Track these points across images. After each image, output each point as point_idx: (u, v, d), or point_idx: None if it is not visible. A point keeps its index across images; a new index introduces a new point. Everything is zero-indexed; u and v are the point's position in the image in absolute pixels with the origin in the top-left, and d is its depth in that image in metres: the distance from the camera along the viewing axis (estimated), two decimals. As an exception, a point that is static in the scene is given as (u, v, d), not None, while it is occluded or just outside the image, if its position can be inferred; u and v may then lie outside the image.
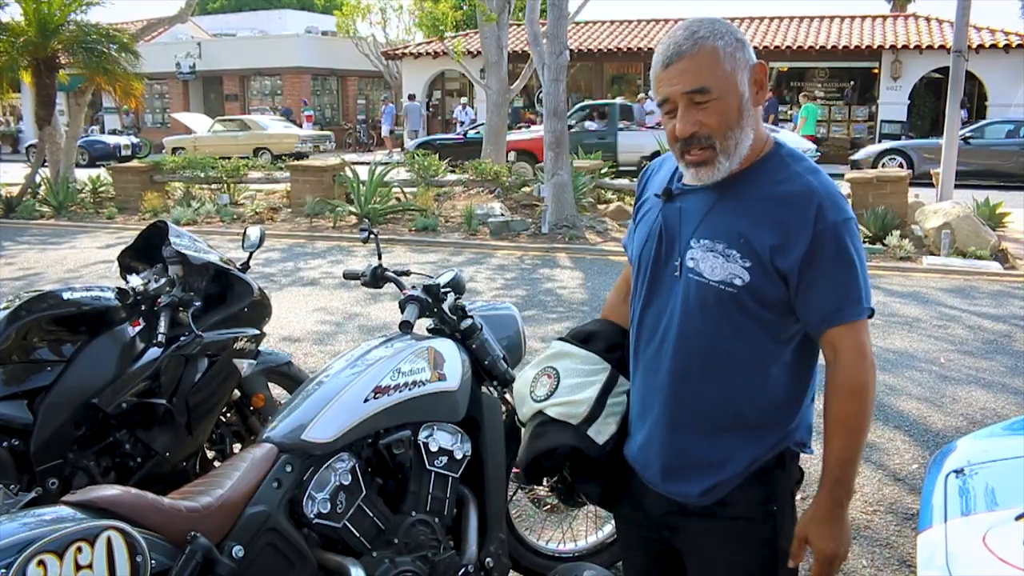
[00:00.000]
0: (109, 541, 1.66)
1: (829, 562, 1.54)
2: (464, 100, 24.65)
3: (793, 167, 1.54)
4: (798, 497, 1.73)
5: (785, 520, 1.60)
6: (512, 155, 16.09)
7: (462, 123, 23.08)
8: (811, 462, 1.74)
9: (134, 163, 14.97)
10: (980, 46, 19.35)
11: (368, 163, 13.28)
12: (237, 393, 3.15)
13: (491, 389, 2.51)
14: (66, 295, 2.76)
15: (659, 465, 1.64)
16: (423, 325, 2.53)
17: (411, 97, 24.38)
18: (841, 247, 1.48)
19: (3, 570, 1.54)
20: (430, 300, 2.45)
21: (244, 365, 3.00)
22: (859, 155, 16.84)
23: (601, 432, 1.68)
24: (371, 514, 2.14)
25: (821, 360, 1.59)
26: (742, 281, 1.50)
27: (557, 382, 1.72)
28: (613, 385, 1.73)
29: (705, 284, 1.53)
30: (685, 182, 1.62)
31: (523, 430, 1.78)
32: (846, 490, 1.53)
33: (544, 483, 2.76)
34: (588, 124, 17.59)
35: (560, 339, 1.82)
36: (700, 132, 1.49)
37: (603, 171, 12.56)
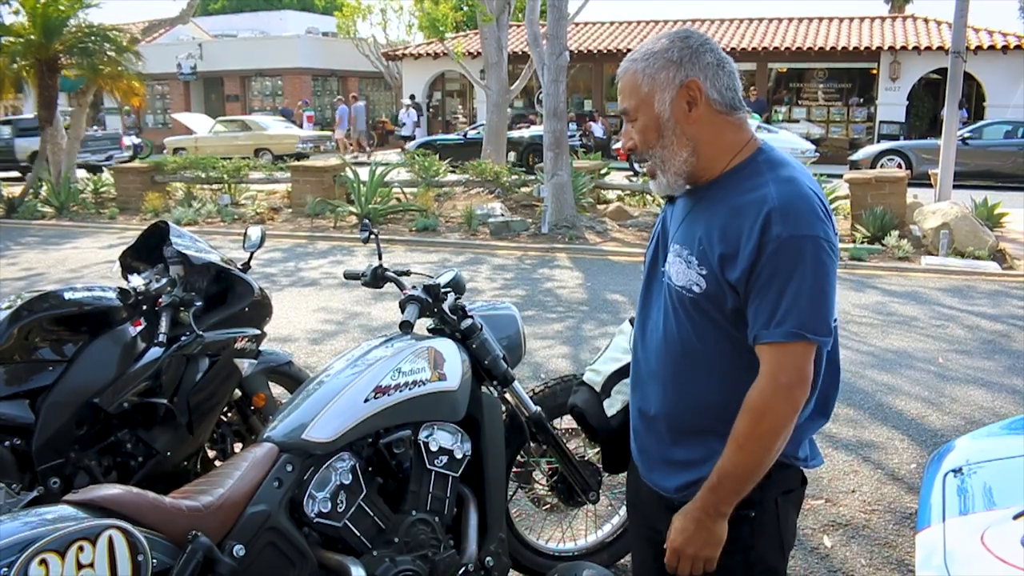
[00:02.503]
0: (110, 540, 1.67)
1: (675, 554, 1.57)
2: (407, 102, 24.62)
3: (765, 175, 1.50)
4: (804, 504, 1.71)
5: (765, 528, 1.60)
6: (512, 155, 16.11)
7: (403, 125, 23.26)
8: (822, 471, 1.73)
9: (135, 164, 14.97)
10: (978, 47, 19.37)
11: (368, 163, 13.28)
12: (238, 393, 3.16)
13: (491, 389, 2.52)
14: (67, 295, 2.76)
15: (641, 456, 1.71)
16: (423, 325, 2.54)
17: (355, 98, 24.39)
18: (782, 264, 1.42)
19: (5, 569, 1.54)
20: (430, 300, 2.46)
21: (245, 365, 3.00)
22: (858, 155, 16.86)
23: (612, 406, 1.84)
24: (371, 513, 2.15)
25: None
26: (699, 288, 1.52)
27: (603, 352, 1.94)
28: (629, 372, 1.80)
29: (673, 288, 1.58)
30: None
31: None
32: (718, 499, 1.51)
33: (544, 483, 2.79)
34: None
35: (631, 319, 1.90)
36: (633, 147, 1.61)
37: (603, 171, 12.57)
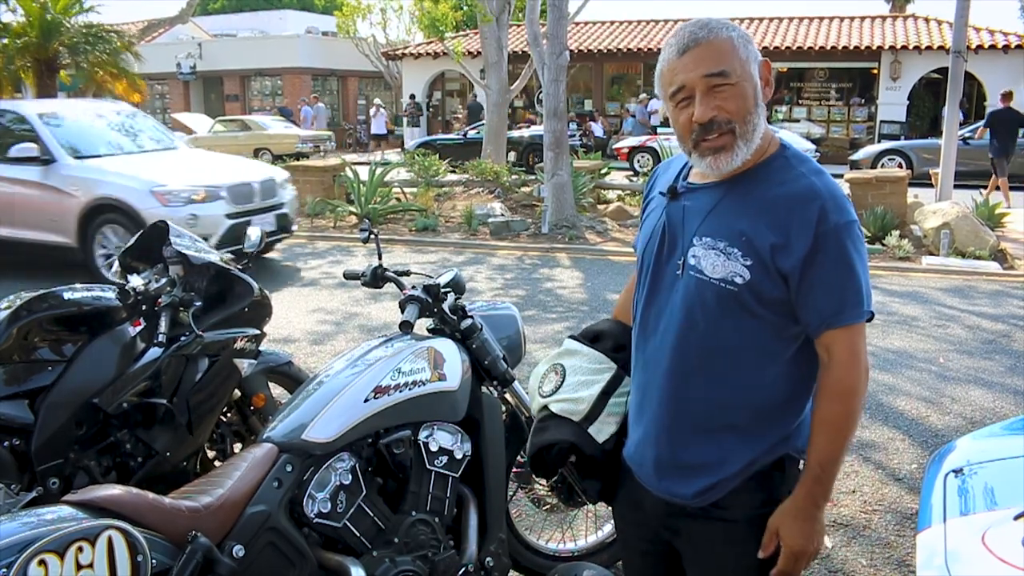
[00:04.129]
0: (110, 540, 1.66)
1: (796, 558, 1.55)
2: (378, 102, 24.94)
3: (798, 168, 1.55)
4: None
5: None
6: (512, 155, 16.11)
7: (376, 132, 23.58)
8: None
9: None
10: (979, 47, 19.38)
11: (368, 163, 13.28)
12: (237, 393, 3.16)
13: (491, 389, 2.52)
14: (67, 295, 2.76)
15: (653, 464, 1.65)
16: (423, 325, 2.54)
17: (315, 98, 24.49)
18: (842, 250, 1.48)
19: (4, 569, 1.54)
20: (430, 300, 2.45)
21: (244, 365, 3.00)
22: (858, 155, 16.85)
23: (601, 431, 1.73)
24: (371, 514, 2.14)
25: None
26: (742, 279, 1.51)
27: (563, 379, 1.78)
28: (617, 385, 1.76)
29: (706, 282, 1.54)
30: (691, 181, 1.63)
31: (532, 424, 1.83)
32: (824, 490, 1.54)
33: (546, 481, 2.78)
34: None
35: (571, 337, 1.86)
36: (719, 117, 1.50)
37: (603, 171, 12.58)
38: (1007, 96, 12.68)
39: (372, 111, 24.64)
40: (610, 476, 1.76)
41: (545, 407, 1.78)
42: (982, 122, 13.76)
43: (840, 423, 1.52)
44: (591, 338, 1.84)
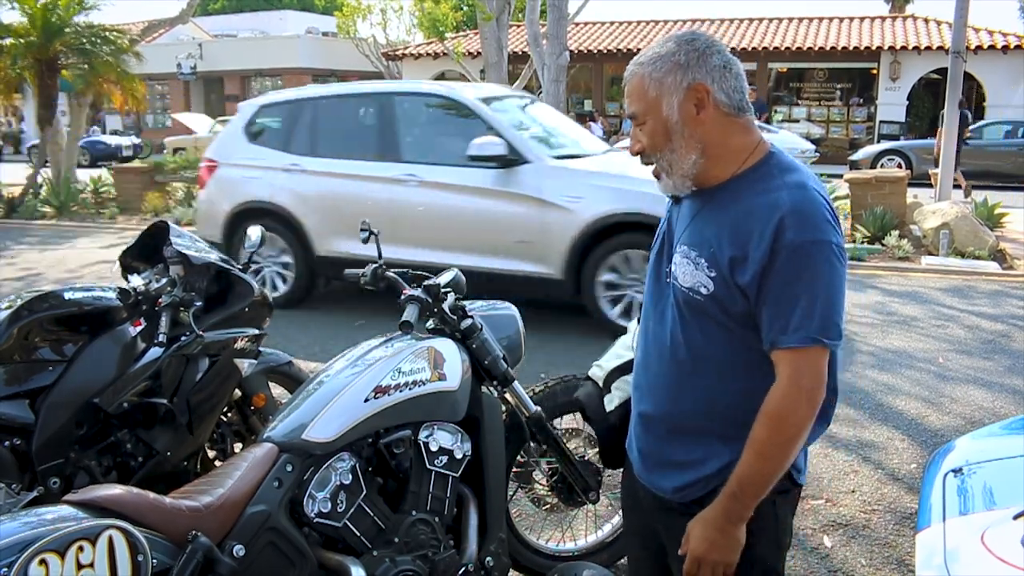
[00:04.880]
0: (110, 540, 1.67)
1: (696, 562, 1.55)
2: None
3: (777, 179, 1.51)
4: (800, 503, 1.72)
5: (765, 528, 1.60)
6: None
7: None
8: (816, 467, 1.74)
9: (135, 163, 14.98)
10: (979, 47, 19.36)
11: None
12: (238, 393, 3.16)
13: (491, 389, 2.52)
14: (67, 295, 2.76)
15: (639, 457, 1.71)
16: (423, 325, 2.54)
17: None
18: (796, 269, 1.44)
19: (5, 569, 1.54)
20: (430, 300, 2.46)
21: (245, 365, 3.00)
22: (858, 155, 16.88)
23: (611, 401, 1.87)
24: (371, 513, 2.14)
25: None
26: (707, 290, 1.52)
27: (609, 350, 1.98)
28: (631, 369, 1.80)
29: (680, 289, 1.57)
30: None
31: None
32: (739, 507, 1.52)
33: (544, 483, 2.79)
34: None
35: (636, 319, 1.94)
36: (641, 151, 1.61)
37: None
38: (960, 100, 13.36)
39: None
40: (613, 443, 1.86)
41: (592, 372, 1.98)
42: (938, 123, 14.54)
43: (762, 447, 1.48)
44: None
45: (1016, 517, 1.81)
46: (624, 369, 1.86)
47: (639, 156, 1.63)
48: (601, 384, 1.90)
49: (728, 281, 1.49)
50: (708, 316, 1.54)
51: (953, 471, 2.18)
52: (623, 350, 1.92)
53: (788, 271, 1.44)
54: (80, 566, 1.62)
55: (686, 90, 1.53)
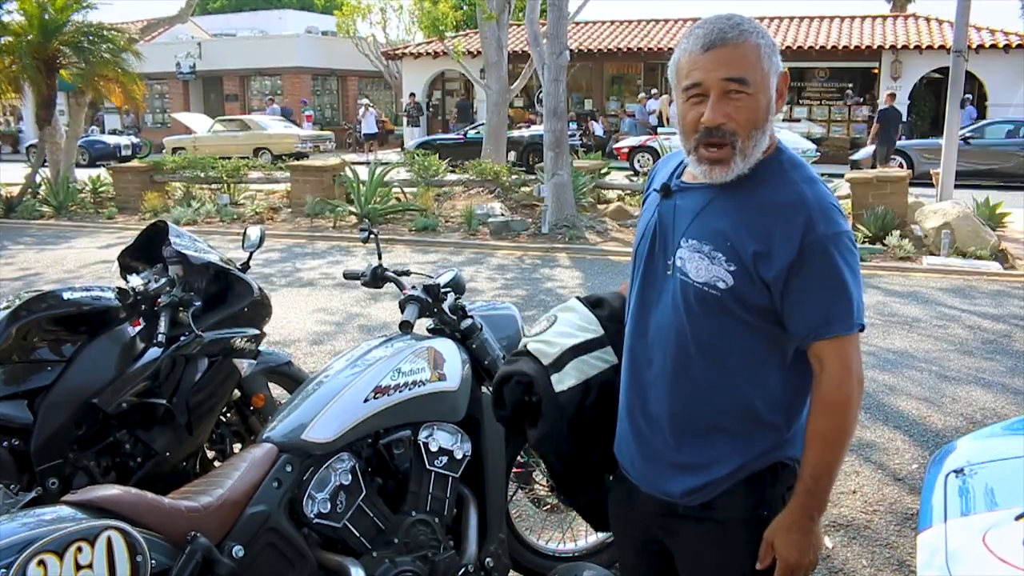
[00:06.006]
0: (109, 541, 1.66)
1: (790, 570, 1.53)
2: (365, 102, 24.85)
3: (790, 174, 1.52)
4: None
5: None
6: (512, 154, 16.09)
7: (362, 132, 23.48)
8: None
9: (134, 163, 14.97)
10: (980, 46, 19.35)
11: (365, 163, 13.28)
12: (237, 393, 3.16)
13: (491, 389, 2.51)
14: (66, 295, 2.76)
15: (641, 462, 1.64)
16: (423, 325, 2.53)
17: (271, 100, 24.73)
18: (830, 261, 1.46)
19: (3, 570, 1.54)
20: (430, 300, 2.45)
21: (244, 365, 3.00)
22: (859, 155, 16.85)
23: (562, 380, 1.72)
24: (371, 514, 2.14)
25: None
26: (725, 284, 1.50)
27: (550, 326, 1.81)
28: (595, 348, 1.75)
29: (690, 285, 1.53)
30: (684, 179, 1.61)
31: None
32: (818, 502, 1.52)
33: (544, 483, 2.78)
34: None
35: (576, 298, 1.88)
36: (727, 125, 1.46)
37: (603, 171, 12.57)
38: (892, 96, 15.98)
39: (360, 111, 24.48)
40: (599, 494, 1.79)
41: (524, 345, 1.82)
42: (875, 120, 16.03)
43: (831, 436, 1.50)
44: (592, 303, 1.85)
45: (1018, 518, 1.81)
46: (582, 349, 1.74)
47: (716, 130, 1.46)
48: (548, 362, 1.73)
49: (752, 275, 1.48)
50: (726, 311, 1.51)
51: (955, 472, 2.18)
52: (573, 329, 1.77)
53: (822, 265, 1.46)
54: (79, 567, 1.62)
55: (781, 76, 1.51)
